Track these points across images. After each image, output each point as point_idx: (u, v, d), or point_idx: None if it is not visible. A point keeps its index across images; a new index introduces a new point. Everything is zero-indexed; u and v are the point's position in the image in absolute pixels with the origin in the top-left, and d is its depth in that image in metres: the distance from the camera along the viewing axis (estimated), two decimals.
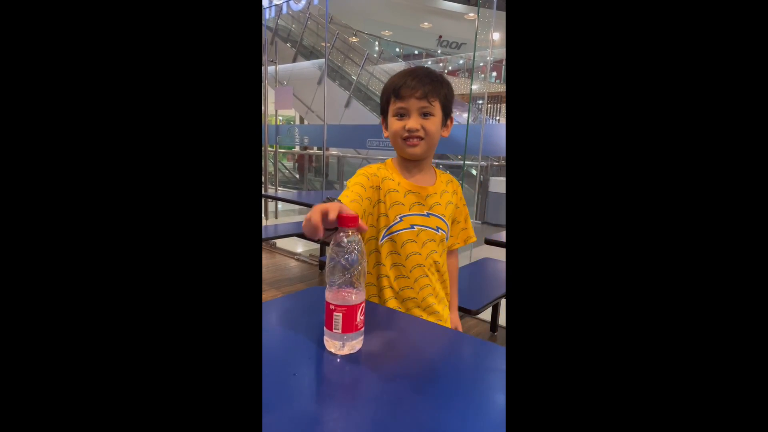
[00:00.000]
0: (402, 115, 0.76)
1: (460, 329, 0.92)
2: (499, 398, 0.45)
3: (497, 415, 0.42)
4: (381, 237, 0.79)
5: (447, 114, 0.79)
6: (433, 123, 0.76)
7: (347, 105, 7.07)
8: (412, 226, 0.79)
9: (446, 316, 0.87)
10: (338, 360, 0.52)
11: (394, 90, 0.76)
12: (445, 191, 0.84)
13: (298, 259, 3.12)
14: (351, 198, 0.71)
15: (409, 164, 0.81)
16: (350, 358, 0.52)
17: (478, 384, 0.50)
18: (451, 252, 0.90)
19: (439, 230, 0.82)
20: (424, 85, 0.74)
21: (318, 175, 6.82)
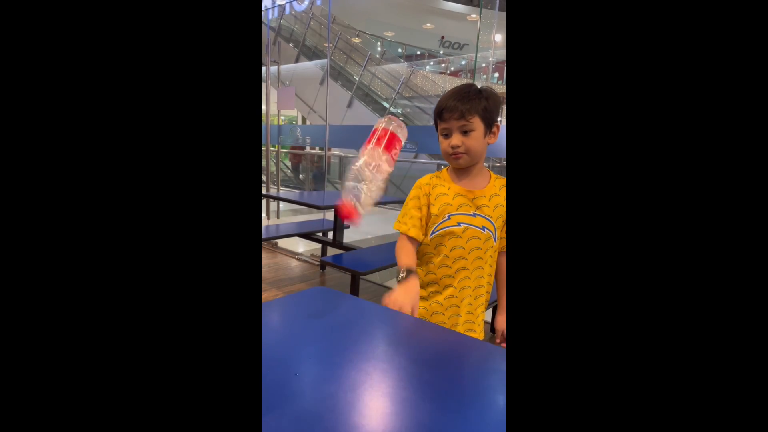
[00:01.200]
0: (446, 135, 0.88)
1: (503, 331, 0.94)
2: (499, 400, 0.45)
3: (497, 417, 0.42)
4: (430, 233, 0.91)
5: (490, 123, 0.87)
6: (474, 138, 0.86)
7: (349, 105, 7.08)
8: (459, 224, 0.89)
9: (479, 316, 0.94)
10: (339, 361, 0.52)
11: (438, 113, 0.88)
12: (496, 194, 0.91)
13: (299, 259, 3.12)
14: (411, 224, 0.92)
15: (459, 172, 0.92)
16: (351, 360, 0.52)
17: (479, 386, 0.49)
18: (502, 253, 0.95)
19: (485, 229, 0.89)
20: (463, 104, 0.84)
21: (319, 176, 6.81)
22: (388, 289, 2.53)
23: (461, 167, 0.90)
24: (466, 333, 0.89)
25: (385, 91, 7.64)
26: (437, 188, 0.92)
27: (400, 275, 0.84)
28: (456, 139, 0.86)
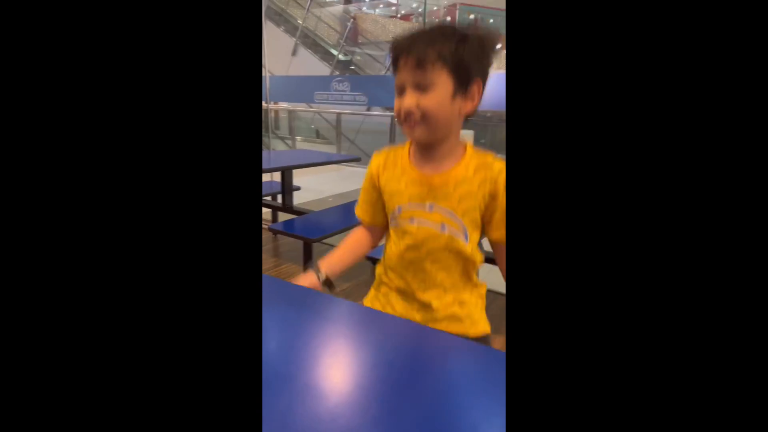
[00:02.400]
0: (400, 91, 0.60)
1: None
2: (499, 403, 0.39)
3: (497, 420, 0.37)
4: (390, 220, 0.71)
5: (464, 80, 0.58)
6: (433, 98, 0.58)
7: (294, 53, 6.52)
8: (411, 220, 0.66)
9: (466, 296, 0.71)
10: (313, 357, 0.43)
11: (392, 59, 0.60)
12: (465, 180, 0.63)
13: None
14: (363, 209, 0.76)
15: (422, 149, 0.65)
16: (345, 363, 0.43)
17: (478, 389, 0.43)
18: (501, 247, 0.68)
19: (445, 228, 0.64)
20: (421, 45, 0.56)
21: (266, 131, 6.40)
22: None
23: (419, 142, 0.64)
24: (448, 326, 0.70)
25: (333, 37, 7.10)
26: (389, 170, 0.69)
27: (312, 269, 0.72)
28: (409, 98, 0.59)
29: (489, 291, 0.78)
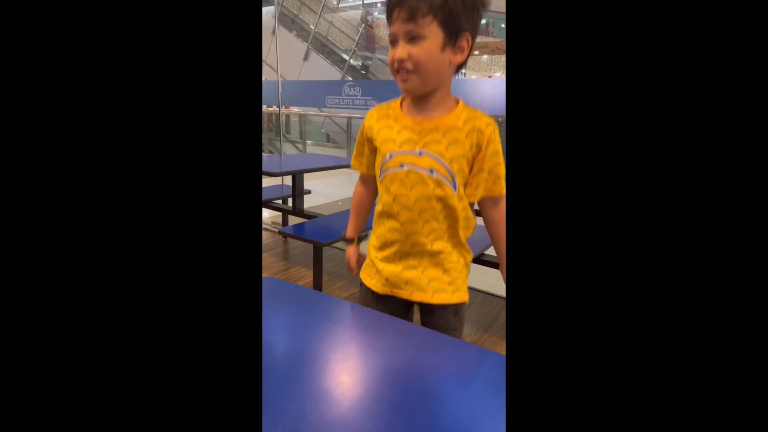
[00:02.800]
0: (393, 43, 0.64)
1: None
2: (499, 407, 0.39)
3: (497, 423, 0.36)
4: (378, 175, 0.74)
5: (453, 31, 0.61)
6: (424, 49, 0.61)
7: (306, 58, 6.59)
8: (402, 165, 0.69)
9: (454, 258, 0.74)
10: (313, 364, 0.43)
11: (387, 12, 0.64)
12: (454, 128, 0.67)
13: None
14: (358, 161, 0.81)
15: (415, 101, 0.69)
16: (356, 367, 0.43)
17: (478, 392, 0.43)
18: (489, 202, 0.73)
19: (434, 173, 0.67)
20: (414, 0, 0.59)
21: (277, 135, 6.46)
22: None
23: (411, 93, 0.68)
24: (433, 295, 0.73)
25: (344, 41, 7.16)
26: (382, 120, 0.72)
27: (342, 235, 0.87)
28: (401, 49, 0.62)
29: (487, 293, 0.80)
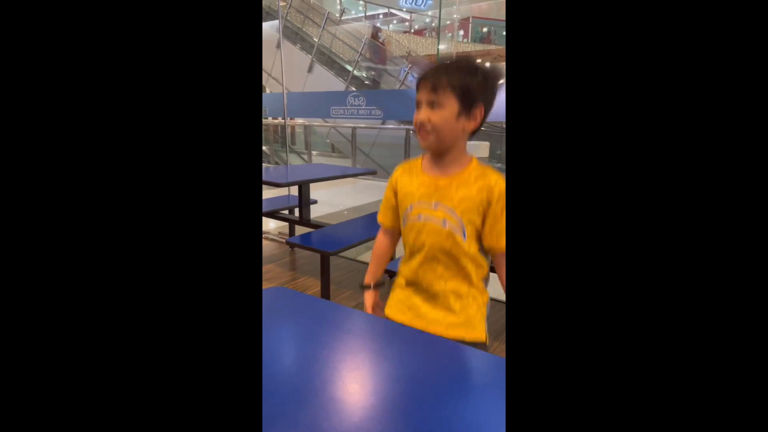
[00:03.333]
0: (418, 105, 0.77)
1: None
2: (499, 413, 0.38)
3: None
4: (402, 223, 0.86)
5: (468, 103, 0.74)
6: (440, 115, 0.74)
7: (310, 70, 6.67)
8: (419, 216, 0.80)
9: (469, 300, 0.81)
10: (310, 377, 0.43)
11: (417, 82, 0.78)
12: (467, 184, 0.77)
13: (267, 238, 2.98)
14: (382, 212, 0.91)
15: (433, 158, 0.82)
16: (368, 377, 0.43)
17: (478, 397, 0.43)
18: (498, 257, 0.80)
19: (447, 223, 0.78)
20: (437, 75, 0.73)
21: (283, 146, 6.53)
22: (362, 263, 2.47)
23: (429, 149, 0.80)
24: (447, 329, 0.79)
25: (347, 53, 7.25)
26: (404, 176, 0.85)
27: (360, 283, 0.94)
28: (424, 113, 0.75)
29: (497, 300, 0.82)
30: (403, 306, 0.85)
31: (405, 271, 0.86)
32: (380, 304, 0.93)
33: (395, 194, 0.87)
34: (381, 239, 0.95)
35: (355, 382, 0.46)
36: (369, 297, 0.93)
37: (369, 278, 0.95)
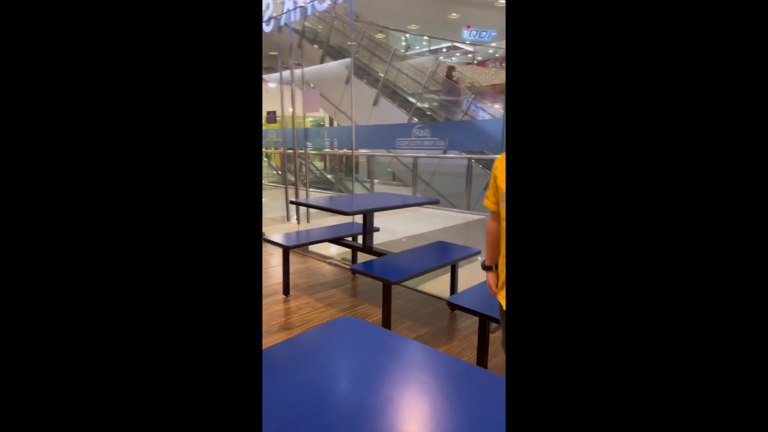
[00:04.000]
0: None
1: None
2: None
3: None
4: (499, 207, 0.99)
5: None
6: None
7: (375, 103, 7.00)
8: None
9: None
10: (377, 408, 0.44)
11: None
12: None
13: (330, 263, 3.09)
14: (490, 200, 1.04)
15: None
16: (423, 407, 0.44)
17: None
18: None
19: None
20: None
21: (349, 175, 6.82)
22: (423, 294, 2.44)
23: None
24: None
25: (411, 86, 7.50)
26: (503, 162, 0.97)
27: (482, 263, 1.12)
28: None
29: None
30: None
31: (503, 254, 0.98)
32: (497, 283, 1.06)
33: (495, 179, 0.98)
34: (491, 224, 1.08)
35: (412, 412, 0.46)
36: (491, 278, 1.08)
37: (489, 261, 1.09)
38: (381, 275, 1.76)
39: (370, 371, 0.56)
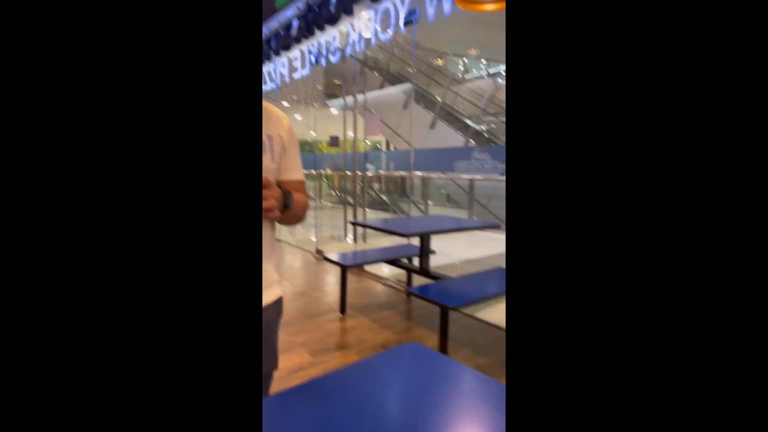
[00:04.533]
0: None
1: None
2: None
3: None
4: None
5: None
6: None
7: (432, 126, 7.08)
8: None
9: None
10: None
11: None
12: None
13: (385, 284, 3.11)
14: None
15: None
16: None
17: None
18: None
19: None
20: None
21: (404, 197, 6.88)
22: (480, 321, 2.36)
23: None
24: None
25: (468, 108, 7.50)
26: None
27: None
28: None
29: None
30: None
31: None
32: None
33: None
34: None
35: None
36: None
37: None
38: (438, 300, 1.74)
39: (437, 404, 0.55)
